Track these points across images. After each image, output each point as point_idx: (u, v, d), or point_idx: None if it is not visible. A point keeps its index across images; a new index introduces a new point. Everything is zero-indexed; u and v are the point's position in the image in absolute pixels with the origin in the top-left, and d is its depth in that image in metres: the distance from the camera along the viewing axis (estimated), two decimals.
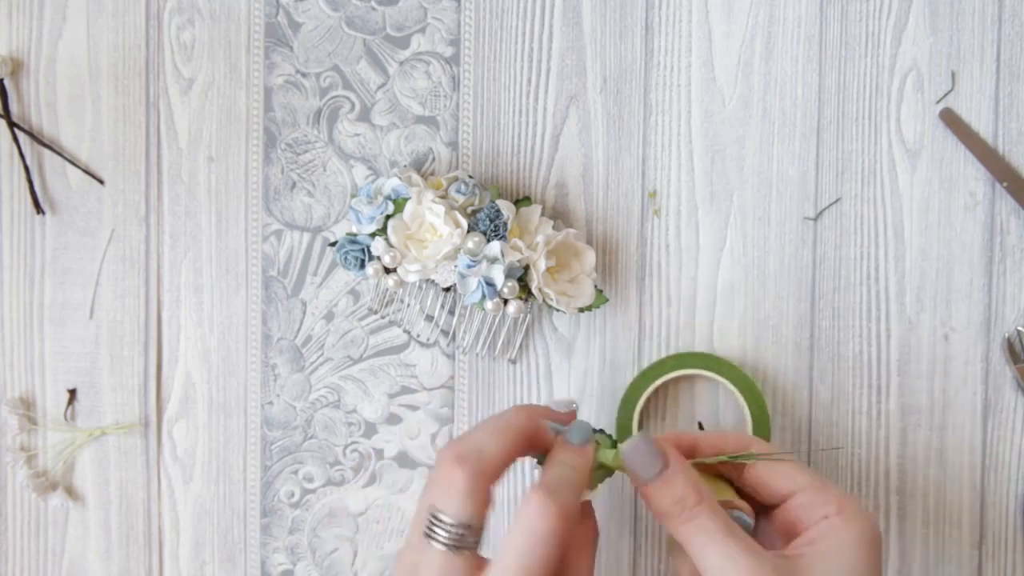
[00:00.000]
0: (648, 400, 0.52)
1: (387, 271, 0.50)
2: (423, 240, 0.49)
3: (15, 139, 0.53)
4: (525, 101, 0.53)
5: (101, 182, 0.54)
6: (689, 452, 0.44)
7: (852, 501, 0.41)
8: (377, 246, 0.49)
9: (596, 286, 0.51)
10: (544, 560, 0.37)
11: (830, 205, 0.53)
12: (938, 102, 0.52)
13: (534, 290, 0.49)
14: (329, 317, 0.54)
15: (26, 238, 0.54)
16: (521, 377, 0.53)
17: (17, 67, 0.54)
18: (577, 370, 0.53)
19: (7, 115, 0.53)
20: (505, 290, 0.49)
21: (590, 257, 0.51)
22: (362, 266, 0.50)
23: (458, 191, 0.49)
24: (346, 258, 0.50)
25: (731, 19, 0.53)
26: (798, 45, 0.53)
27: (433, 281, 0.50)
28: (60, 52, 0.53)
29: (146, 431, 0.54)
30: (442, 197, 0.49)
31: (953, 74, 0.52)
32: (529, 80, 0.53)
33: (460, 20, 0.53)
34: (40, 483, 0.54)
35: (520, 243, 0.49)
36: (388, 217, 0.49)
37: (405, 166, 0.53)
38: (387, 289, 0.51)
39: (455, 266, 0.49)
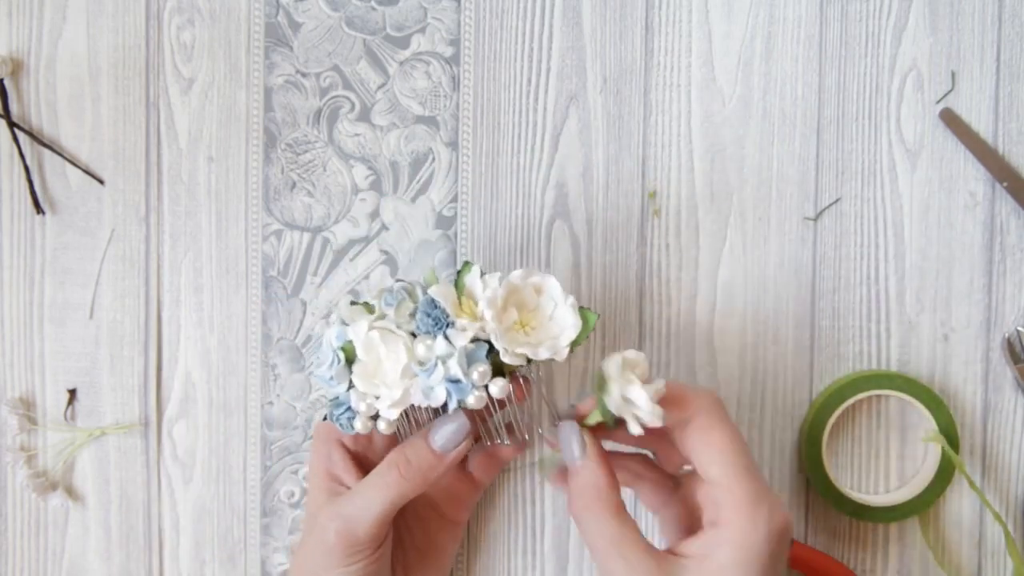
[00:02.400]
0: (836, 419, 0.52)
1: (374, 419, 0.44)
2: (383, 367, 0.44)
3: (15, 139, 0.53)
4: (525, 101, 0.53)
5: (101, 182, 0.54)
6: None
7: (745, 514, 0.39)
8: (353, 399, 0.44)
9: (578, 307, 0.44)
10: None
11: (830, 205, 0.53)
12: (938, 102, 0.52)
13: (506, 358, 0.43)
14: (329, 317, 0.54)
15: (26, 238, 0.54)
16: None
17: (17, 67, 0.54)
18: (577, 370, 0.53)
19: (7, 115, 0.53)
20: (476, 376, 0.43)
21: (551, 283, 0.44)
22: (354, 415, 0.45)
23: (388, 304, 0.44)
24: (342, 424, 0.45)
25: (731, 19, 0.53)
26: (798, 45, 0.53)
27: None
28: (60, 52, 0.53)
29: (146, 431, 0.54)
30: (379, 319, 0.44)
31: (953, 74, 0.52)
32: (529, 80, 0.53)
33: (460, 20, 0.53)
34: (40, 483, 0.54)
35: (465, 321, 0.43)
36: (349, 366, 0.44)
37: (352, 303, 0.46)
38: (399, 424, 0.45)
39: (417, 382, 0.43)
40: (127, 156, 0.54)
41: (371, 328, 0.43)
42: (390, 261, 0.53)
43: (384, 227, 0.53)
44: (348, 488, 0.47)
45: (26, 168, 0.53)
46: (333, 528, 0.44)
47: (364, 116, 0.53)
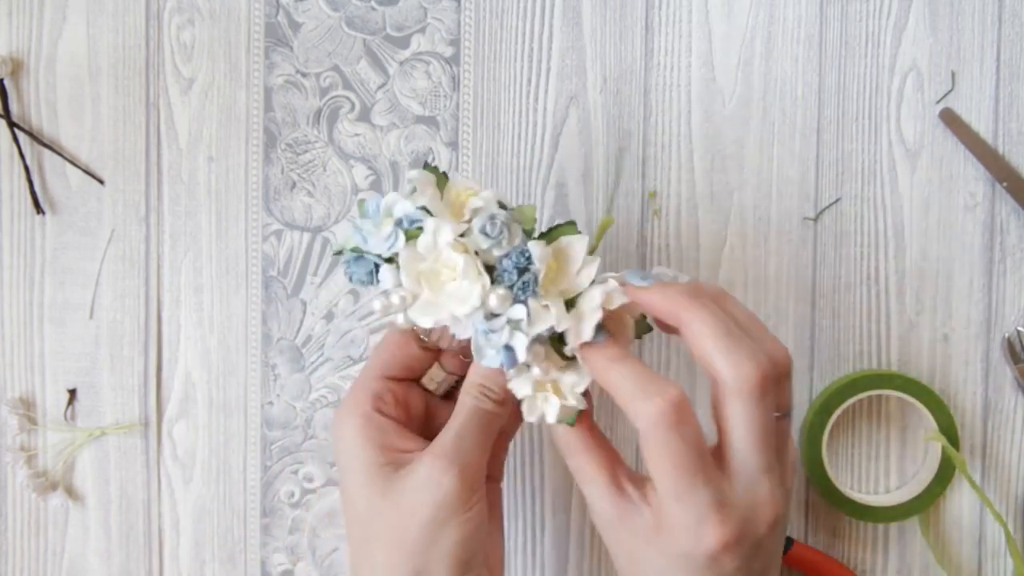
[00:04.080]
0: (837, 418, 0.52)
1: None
2: (439, 274, 0.40)
3: (15, 139, 0.53)
4: (525, 101, 0.53)
5: (101, 182, 0.54)
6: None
7: (682, 534, 0.38)
8: (386, 277, 0.40)
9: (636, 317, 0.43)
10: (482, 440, 0.43)
11: (830, 205, 0.53)
12: (938, 102, 0.52)
13: (578, 356, 0.41)
14: (329, 317, 0.54)
15: (26, 238, 0.54)
16: None
17: (17, 67, 0.54)
18: None
19: (7, 115, 0.53)
20: (531, 356, 0.40)
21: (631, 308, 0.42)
22: (372, 281, 0.41)
23: (483, 232, 0.39)
24: (352, 278, 0.42)
25: (731, 19, 0.53)
26: (798, 45, 0.53)
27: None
28: (60, 52, 0.53)
29: (146, 431, 0.54)
30: (463, 235, 0.40)
31: (953, 74, 0.52)
32: (529, 80, 0.53)
33: (460, 20, 0.53)
34: (40, 483, 0.54)
35: (554, 308, 0.39)
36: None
37: (415, 178, 0.41)
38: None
39: (473, 326, 0.40)
40: (127, 156, 0.54)
41: (456, 243, 0.39)
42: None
43: None
44: (410, 452, 0.43)
45: (26, 168, 0.53)
46: (452, 475, 0.41)
47: (364, 116, 0.53)
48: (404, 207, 0.40)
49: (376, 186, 0.53)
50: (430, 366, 0.47)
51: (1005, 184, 0.52)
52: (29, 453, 0.54)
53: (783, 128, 0.53)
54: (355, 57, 0.53)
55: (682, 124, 0.53)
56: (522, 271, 0.39)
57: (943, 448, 0.51)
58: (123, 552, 0.54)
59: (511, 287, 0.39)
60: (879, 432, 0.53)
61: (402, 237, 0.40)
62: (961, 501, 0.53)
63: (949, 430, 0.51)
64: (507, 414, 0.43)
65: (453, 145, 0.53)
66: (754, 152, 0.53)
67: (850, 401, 0.51)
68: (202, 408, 0.54)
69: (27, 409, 0.54)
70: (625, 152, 0.45)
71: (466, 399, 0.43)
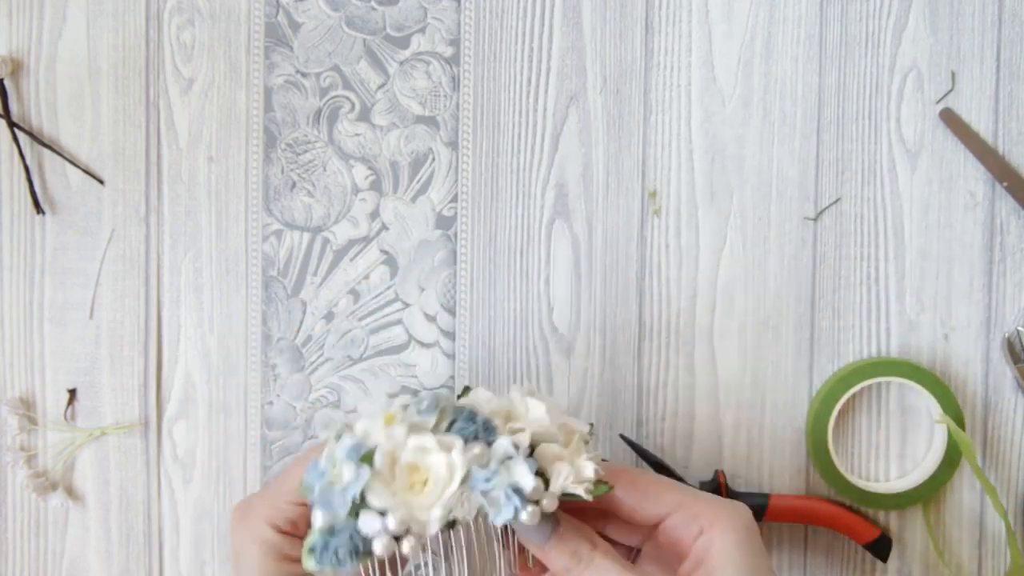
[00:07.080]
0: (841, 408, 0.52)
1: (396, 539, 0.37)
2: (411, 486, 0.38)
3: (15, 139, 0.53)
4: (525, 101, 0.53)
5: (101, 182, 0.54)
6: None
7: (719, 508, 0.41)
8: (370, 523, 0.36)
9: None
10: None
11: (830, 205, 0.53)
12: (938, 102, 0.53)
13: (576, 484, 0.39)
14: (329, 317, 0.54)
15: (26, 238, 0.54)
16: (521, 377, 0.53)
17: (17, 67, 0.54)
18: (577, 370, 0.53)
19: (7, 115, 0.53)
20: (533, 489, 0.38)
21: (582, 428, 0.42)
22: (357, 555, 0.37)
23: (424, 412, 0.38)
24: (338, 557, 0.37)
25: (731, 19, 0.53)
26: (798, 45, 0.53)
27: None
28: (60, 52, 0.53)
29: (146, 431, 0.54)
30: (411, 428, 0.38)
31: (953, 74, 0.52)
32: (529, 80, 0.53)
33: (460, 20, 0.53)
34: (40, 483, 0.54)
35: (520, 434, 0.39)
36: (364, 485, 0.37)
37: (344, 424, 0.41)
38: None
39: (472, 489, 0.38)
40: (127, 156, 0.54)
41: (412, 433, 0.38)
42: (390, 261, 0.53)
43: (384, 227, 0.53)
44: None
45: (26, 168, 0.53)
46: None
47: (364, 116, 0.53)
48: (344, 445, 0.38)
49: (376, 186, 0.53)
50: None
51: (1005, 184, 0.52)
52: (29, 453, 0.54)
53: (783, 128, 0.53)
54: (355, 57, 0.53)
55: (682, 124, 0.53)
56: (473, 420, 0.38)
57: (949, 432, 0.51)
58: (123, 552, 0.54)
59: (476, 437, 0.38)
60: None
61: (366, 469, 0.37)
62: (962, 492, 0.53)
63: (955, 416, 0.51)
64: None
65: (453, 145, 0.53)
66: (754, 152, 0.53)
67: (855, 388, 0.51)
68: (202, 408, 0.54)
69: (27, 409, 0.54)
70: None
71: None
